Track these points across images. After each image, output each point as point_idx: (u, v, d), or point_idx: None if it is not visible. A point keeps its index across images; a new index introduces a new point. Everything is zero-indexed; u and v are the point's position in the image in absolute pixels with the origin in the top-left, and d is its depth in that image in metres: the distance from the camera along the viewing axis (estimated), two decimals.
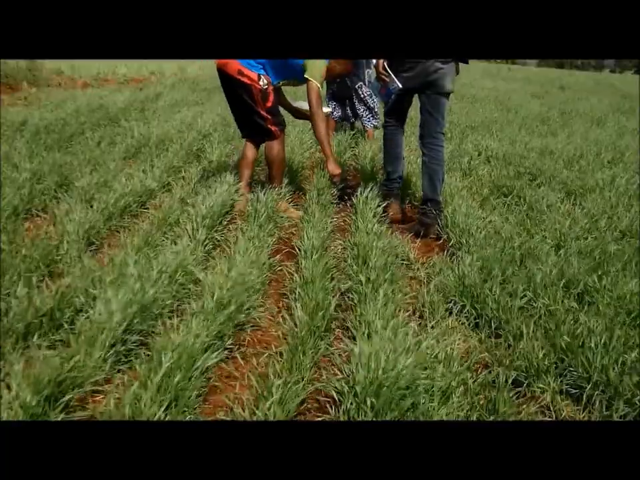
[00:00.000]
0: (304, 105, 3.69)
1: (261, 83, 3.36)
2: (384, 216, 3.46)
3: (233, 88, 3.44)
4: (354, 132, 6.11)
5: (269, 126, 3.47)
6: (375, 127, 5.97)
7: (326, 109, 3.91)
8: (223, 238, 3.07)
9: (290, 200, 3.66)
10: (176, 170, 4.27)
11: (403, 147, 3.77)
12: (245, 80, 3.35)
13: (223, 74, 3.44)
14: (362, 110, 5.91)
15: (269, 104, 3.42)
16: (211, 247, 2.93)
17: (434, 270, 2.78)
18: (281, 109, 3.67)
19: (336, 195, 3.77)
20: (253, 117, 3.46)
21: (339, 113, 6.01)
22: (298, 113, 3.86)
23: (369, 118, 5.96)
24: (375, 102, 5.87)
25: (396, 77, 3.37)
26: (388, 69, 3.39)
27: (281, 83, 3.57)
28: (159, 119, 6.05)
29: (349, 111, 6.00)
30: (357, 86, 5.80)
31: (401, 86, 3.37)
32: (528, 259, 2.80)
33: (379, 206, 3.41)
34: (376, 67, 3.47)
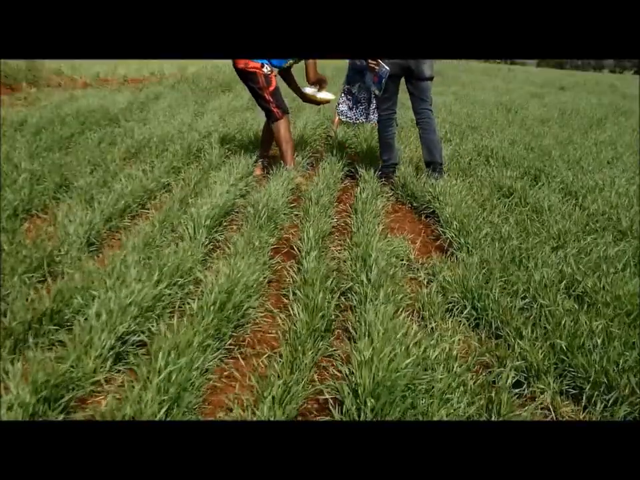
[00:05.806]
0: (310, 91, 4.36)
1: (264, 69, 3.93)
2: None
3: (245, 78, 4.03)
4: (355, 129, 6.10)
5: (272, 108, 4.03)
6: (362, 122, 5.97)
7: (327, 95, 4.43)
8: (223, 238, 3.07)
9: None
10: (176, 170, 4.27)
11: (395, 137, 4.27)
12: (251, 69, 3.93)
13: (236, 69, 4.02)
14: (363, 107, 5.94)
15: (272, 88, 3.98)
16: (210, 247, 2.93)
17: (434, 270, 2.77)
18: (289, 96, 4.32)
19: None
20: (259, 100, 4.07)
21: (351, 113, 5.98)
22: (305, 97, 4.43)
23: (361, 112, 5.97)
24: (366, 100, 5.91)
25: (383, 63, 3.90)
26: (377, 59, 3.88)
27: (289, 62, 4.16)
28: (159, 119, 6.05)
29: (362, 110, 5.98)
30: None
31: (389, 69, 3.88)
32: (528, 260, 2.80)
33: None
34: (366, 60, 3.99)
